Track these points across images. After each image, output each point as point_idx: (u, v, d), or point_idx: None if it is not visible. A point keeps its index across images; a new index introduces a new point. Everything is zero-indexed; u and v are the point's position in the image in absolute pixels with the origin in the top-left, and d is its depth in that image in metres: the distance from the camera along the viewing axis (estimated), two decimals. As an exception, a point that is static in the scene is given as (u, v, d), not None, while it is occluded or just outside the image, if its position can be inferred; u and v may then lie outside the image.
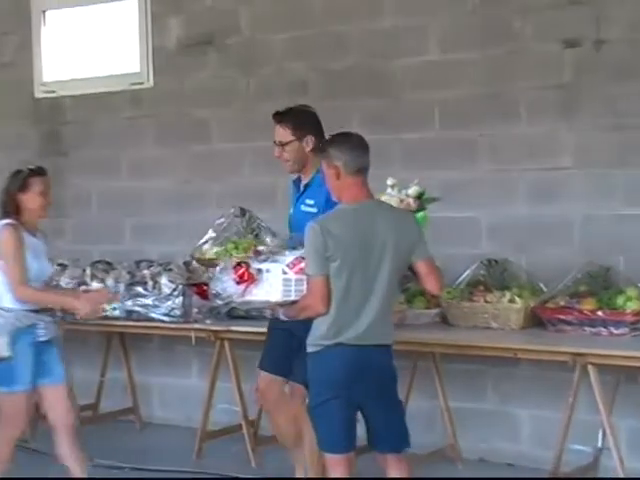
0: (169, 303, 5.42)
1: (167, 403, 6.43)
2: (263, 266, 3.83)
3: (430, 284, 3.78)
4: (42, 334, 4.29)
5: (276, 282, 3.76)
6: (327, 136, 4.07)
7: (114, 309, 5.52)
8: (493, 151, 5.39)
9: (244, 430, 5.41)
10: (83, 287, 5.61)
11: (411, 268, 3.77)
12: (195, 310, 5.45)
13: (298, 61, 5.94)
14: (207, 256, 4.25)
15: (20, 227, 4.24)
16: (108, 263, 6.02)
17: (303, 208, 4.37)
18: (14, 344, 4.19)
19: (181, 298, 5.41)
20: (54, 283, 5.35)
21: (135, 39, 6.55)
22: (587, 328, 4.69)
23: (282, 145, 4.33)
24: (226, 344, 5.43)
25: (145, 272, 5.71)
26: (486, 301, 4.99)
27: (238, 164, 6.16)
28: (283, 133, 4.34)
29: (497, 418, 5.36)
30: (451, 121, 5.48)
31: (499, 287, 5.03)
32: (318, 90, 5.87)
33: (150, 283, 5.58)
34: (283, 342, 4.39)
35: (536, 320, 4.91)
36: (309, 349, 3.70)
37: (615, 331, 4.63)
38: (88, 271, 5.87)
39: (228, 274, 3.88)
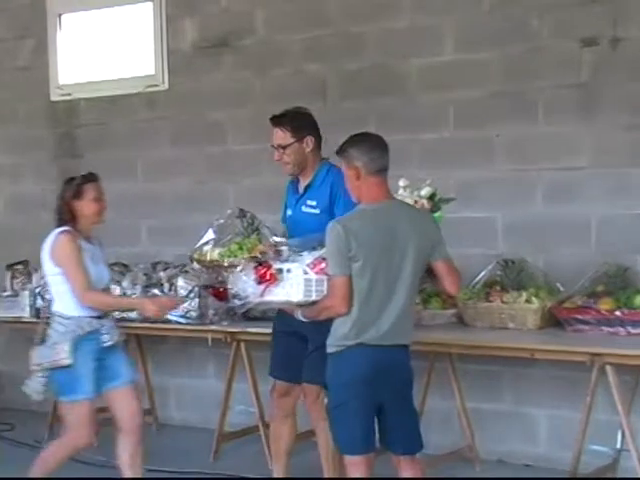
0: (185, 305, 5.42)
1: (184, 404, 6.44)
2: (284, 266, 3.81)
3: (449, 285, 3.78)
4: (106, 339, 4.29)
5: (297, 282, 3.75)
6: (322, 135, 4.13)
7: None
8: (510, 151, 5.37)
9: (261, 431, 5.41)
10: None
11: (428, 269, 3.76)
12: (211, 312, 5.45)
13: (314, 62, 5.94)
14: (209, 257, 4.21)
15: (76, 234, 4.26)
16: (124, 265, 6.04)
17: (304, 209, 4.38)
18: (75, 352, 4.17)
19: (197, 300, 5.42)
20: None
21: (150, 41, 6.56)
22: (605, 328, 4.68)
23: (283, 148, 4.34)
24: (242, 345, 5.43)
25: (161, 274, 5.73)
26: (503, 301, 4.97)
27: (253, 165, 6.16)
28: (283, 136, 4.35)
29: (514, 419, 5.34)
30: (467, 121, 5.46)
31: (516, 287, 5.01)
32: (334, 91, 5.88)
33: (166, 285, 5.59)
34: (291, 346, 4.40)
35: (553, 320, 4.89)
36: (329, 350, 3.69)
37: (633, 331, 4.61)
38: (104, 273, 5.88)
39: (248, 274, 3.87)
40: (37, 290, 6.06)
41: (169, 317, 5.45)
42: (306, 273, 3.75)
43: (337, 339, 3.66)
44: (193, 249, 4.30)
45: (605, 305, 4.70)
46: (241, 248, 4.08)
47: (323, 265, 3.72)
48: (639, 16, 5.01)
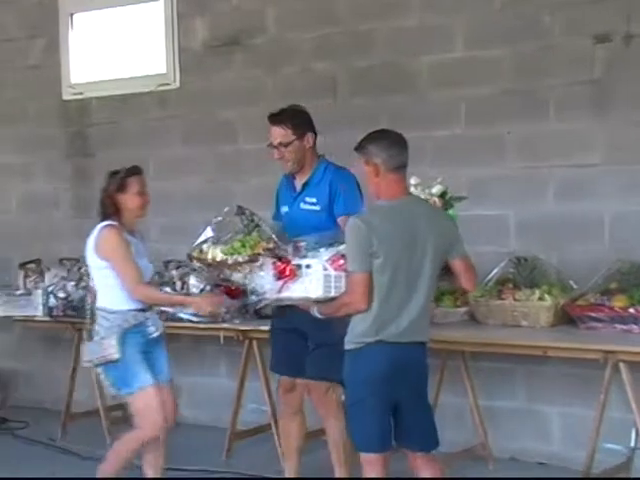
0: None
1: (196, 403, 6.44)
2: (303, 262, 3.80)
3: (466, 282, 3.79)
4: (153, 330, 4.31)
5: (317, 278, 3.74)
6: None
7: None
8: (522, 148, 5.36)
9: (273, 430, 5.40)
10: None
11: (444, 266, 3.76)
12: (223, 310, 5.44)
13: (324, 60, 5.93)
14: (212, 256, 4.16)
15: (121, 228, 4.25)
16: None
17: (303, 206, 4.39)
18: (123, 345, 4.17)
19: (209, 298, 5.41)
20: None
21: (161, 40, 6.57)
22: (618, 325, 4.66)
23: (285, 146, 4.35)
24: (254, 344, 5.43)
25: (173, 272, 5.73)
26: (515, 299, 4.96)
27: (264, 164, 6.13)
28: (284, 133, 4.36)
29: (527, 416, 5.33)
30: (479, 118, 5.45)
31: (528, 285, 5.00)
32: (344, 89, 5.88)
33: (178, 283, 5.59)
34: (291, 342, 4.42)
35: (566, 318, 4.88)
36: (347, 346, 3.67)
37: (646, 328, 4.59)
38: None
39: (267, 270, 3.86)
40: (50, 289, 6.08)
41: (181, 316, 5.45)
42: (325, 269, 3.74)
43: (356, 336, 3.64)
44: (191, 247, 4.26)
45: (618, 302, 4.69)
46: (244, 245, 4.08)
47: (342, 261, 3.71)
48: (652, 12, 5.00)
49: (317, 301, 3.83)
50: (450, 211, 4.12)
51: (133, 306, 4.22)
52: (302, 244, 3.91)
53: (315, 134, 4.44)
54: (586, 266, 5.03)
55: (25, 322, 6.38)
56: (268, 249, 4.02)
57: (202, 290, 5.46)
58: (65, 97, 6.97)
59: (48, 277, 6.20)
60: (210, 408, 6.30)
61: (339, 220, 4.33)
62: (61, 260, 6.45)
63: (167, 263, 5.96)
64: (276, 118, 4.40)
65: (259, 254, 4.01)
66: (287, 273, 3.79)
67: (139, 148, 6.67)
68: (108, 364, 4.19)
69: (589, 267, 4.98)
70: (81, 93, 6.91)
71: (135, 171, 4.36)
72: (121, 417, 6.33)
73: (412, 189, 4.12)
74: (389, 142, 3.72)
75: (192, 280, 5.53)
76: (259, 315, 5.26)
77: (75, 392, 6.22)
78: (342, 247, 3.76)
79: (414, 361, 3.69)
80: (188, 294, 5.01)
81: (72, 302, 6.00)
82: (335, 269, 3.73)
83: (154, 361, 4.30)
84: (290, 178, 4.51)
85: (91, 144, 6.91)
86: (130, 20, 6.76)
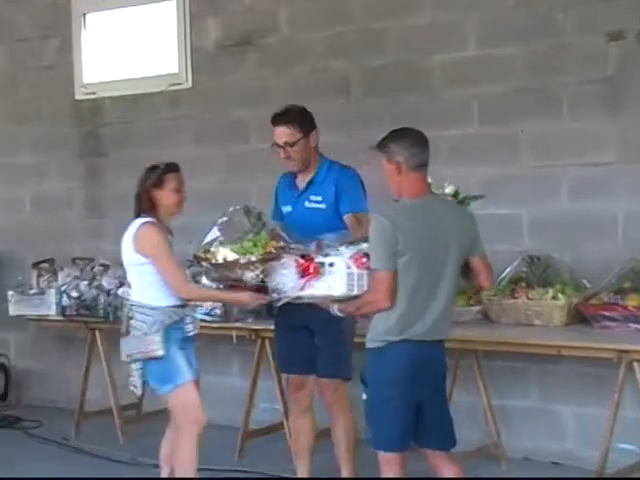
0: (210, 302, 5.42)
1: (208, 402, 6.39)
2: (326, 260, 3.78)
3: (484, 280, 3.81)
4: (190, 329, 4.29)
5: (340, 276, 3.72)
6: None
7: None
8: (535, 146, 5.35)
9: (285, 429, 5.40)
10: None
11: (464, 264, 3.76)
12: (236, 309, 5.45)
13: (337, 59, 5.93)
14: (222, 256, 4.13)
15: (160, 225, 4.23)
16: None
17: (308, 205, 4.40)
18: (166, 342, 4.15)
19: (222, 297, 5.41)
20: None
21: (174, 40, 6.58)
22: (632, 324, 4.65)
23: (291, 145, 4.35)
24: (267, 343, 5.43)
25: (186, 272, 5.72)
26: (528, 298, 4.96)
27: (276, 164, 6.14)
28: (291, 133, 4.37)
29: (541, 416, 5.31)
30: (492, 117, 5.44)
31: (542, 284, 4.99)
32: (357, 88, 5.87)
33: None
34: (297, 339, 4.42)
35: (579, 317, 4.87)
36: (370, 344, 3.66)
37: (661, 327, 4.58)
38: (129, 271, 5.90)
39: (289, 268, 3.85)
40: (63, 288, 6.10)
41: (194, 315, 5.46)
42: (349, 267, 3.72)
43: (379, 334, 3.63)
44: (198, 248, 4.24)
45: (632, 302, 4.68)
46: (255, 245, 4.07)
47: (364, 259, 3.69)
48: (666, 9, 4.98)
49: (337, 299, 3.81)
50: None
51: (172, 302, 4.19)
52: (325, 242, 3.89)
53: (317, 132, 4.44)
54: (599, 265, 5.01)
55: (38, 321, 6.41)
56: (280, 248, 4.02)
57: (215, 289, 5.46)
58: (78, 97, 6.99)
59: (61, 276, 6.22)
60: (223, 407, 6.28)
61: (345, 218, 4.34)
62: (74, 259, 6.47)
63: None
64: (282, 118, 4.41)
65: (271, 253, 4.01)
66: (311, 271, 3.77)
67: (151, 148, 6.67)
68: (149, 360, 4.16)
69: (602, 266, 4.97)
70: (94, 93, 6.93)
71: (173, 168, 4.32)
72: (135, 416, 6.38)
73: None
74: (411, 140, 3.71)
75: (204, 280, 5.53)
76: (271, 314, 5.26)
77: (88, 391, 6.24)
78: (364, 245, 3.74)
79: (436, 359, 3.69)
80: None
81: (85, 301, 6.02)
82: (358, 267, 3.71)
83: (189, 358, 4.27)
84: (291, 177, 4.52)
85: (104, 144, 6.93)
86: (142, 20, 6.78)
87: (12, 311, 6.26)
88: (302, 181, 4.46)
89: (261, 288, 4.08)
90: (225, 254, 4.12)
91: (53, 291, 6.12)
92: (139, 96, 6.71)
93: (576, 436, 5.23)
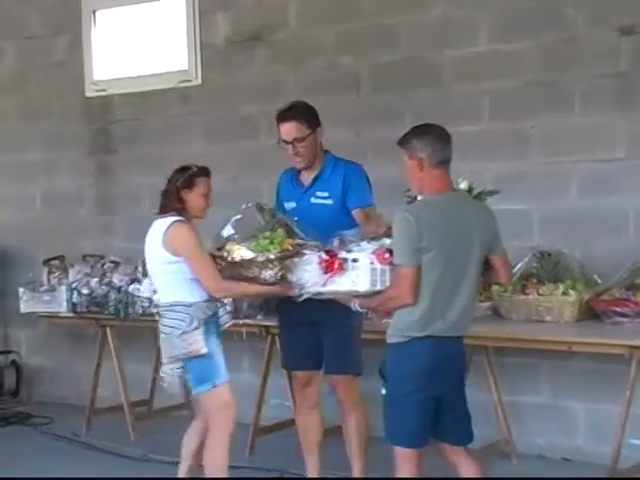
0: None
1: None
2: (350, 256, 3.75)
3: (504, 277, 3.82)
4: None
5: (364, 272, 3.70)
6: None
7: None
8: (546, 142, 5.33)
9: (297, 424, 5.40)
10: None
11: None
12: (246, 305, 5.45)
13: (347, 55, 5.92)
14: (238, 255, 4.08)
15: (191, 224, 4.19)
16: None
17: (314, 201, 4.39)
18: (207, 339, 4.14)
19: (232, 294, 5.41)
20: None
21: (183, 36, 6.58)
22: (643, 320, 4.63)
23: (300, 141, 4.34)
24: (277, 339, 5.41)
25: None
26: (539, 294, 4.95)
27: (287, 160, 6.14)
28: (299, 128, 4.36)
29: (552, 412, 5.30)
30: (503, 113, 5.42)
31: (552, 280, 4.98)
32: (367, 83, 5.86)
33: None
34: (303, 335, 4.42)
35: (591, 313, 4.85)
36: (391, 339, 3.65)
37: (672, 323, 4.56)
38: (140, 268, 5.91)
39: (312, 263, 3.82)
40: (74, 285, 6.11)
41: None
42: (372, 263, 3.69)
43: (401, 330, 3.62)
44: (213, 245, 4.20)
45: (644, 297, 4.65)
46: (272, 243, 4.06)
47: (387, 255, 3.68)
48: (679, 3, 4.95)
49: (357, 295, 3.79)
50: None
51: (205, 297, 4.15)
52: (349, 237, 3.85)
53: (322, 128, 4.44)
54: (610, 261, 5.00)
55: (49, 318, 6.42)
56: (297, 245, 4.01)
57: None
58: (88, 94, 7.00)
59: (72, 273, 6.24)
60: (233, 404, 6.30)
61: (354, 213, 4.34)
62: (84, 256, 6.49)
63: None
64: (289, 114, 4.39)
65: (289, 250, 3.99)
66: (336, 267, 3.74)
67: (161, 145, 6.69)
68: (192, 359, 4.11)
69: (613, 262, 4.95)
70: (104, 90, 6.94)
71: (205, 172, 4.28)
72: (145, 412, 6.39)
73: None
74: (434, 137, 3.69)
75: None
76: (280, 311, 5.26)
77: (99, 388, 6.25)
78: (387, 241, 3.72)
79: (457, 355, 3.70)
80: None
81: (96, 298, 6.03)
82: (380, 262, 3.68)
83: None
84: (294, 174, 4.51)
85: (114, 141, 6.94)
86: (152, 16, 6.78)
87: (23, 308, 6.27)
88: (307, 177, 4.45)
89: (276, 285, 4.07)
90: (241, 252, 4.09)
91: (64, 288, 6.13)
92: (149, 93, 6.71)
93: (587, 432, 5.21)
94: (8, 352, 7.34)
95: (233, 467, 5.24)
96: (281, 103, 6.31)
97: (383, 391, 3.70)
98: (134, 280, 5.90)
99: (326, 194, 4.38)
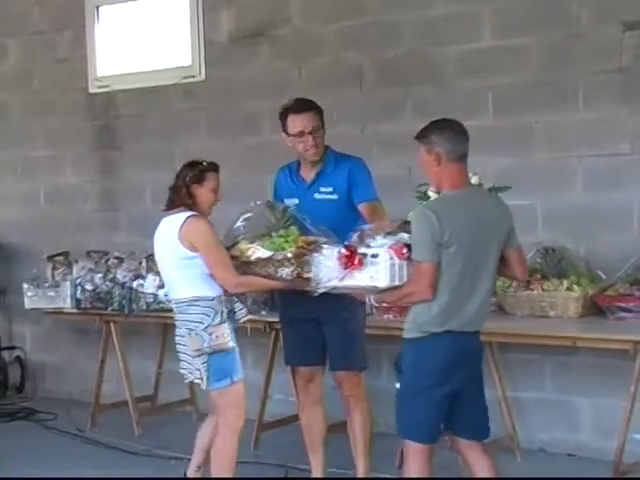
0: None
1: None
2: (369, 251, 3.72)
3: (521, 272, 3.82)
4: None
5: (384, 267, 3.67)
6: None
7: None
8: (549, 137, 5.32)
9: (300, 420, 5.41)
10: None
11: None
12: (250, 301, 5.45)
13: (350, 51, 5.91)
14: (253, 254, 4.07)
15: (206, 218, 4.17)
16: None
17: (318, 196, 4.38)
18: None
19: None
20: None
21: (187, 32, 6.57)
22: (648, 316, 4.62)
23: (318, 131, 4.34)
24: (281, 335, 5.42)
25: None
26: (543, 289, 4.94)
27: (291, 157, 6.14)
28: (316, 119, 4.36)
29: (556, 408, 5.30)
30: (506, 108, 5.41)
31: (556, 275, 4.98)
32: (371, 79, 5.86)
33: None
34: (306, 331, 4.41)
35: (595, 308, 4.85)
36: (409, 334, 3.64)
37: (676, 319, 4.56)
38: (144, 264, 5.92)
39: (331, 259, 3.79)
40: (78, 281, 6.12)
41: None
42: (391, 258, 3.67)
43: (419, 325, 3.61)
44: (223, 243, 4.16)
45: (648, 293, 4.65)
46: (287, 240, 4.04)
47: (405, 250, 3.66)
48: (682, -2, 4.94)
49: (379, 290, 3.76)
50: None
51: (221, 290, 4.12)
52: (368, 232, 3.81)
53: None
54: (615, 256, 4.99)
55: (54, 314, 6.43)
56: (312, 242, 4.00)
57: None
58: (92, 90, 7.00)
59: (76, 269, 6.24)
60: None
61: (360, 207, 4.33)
62: (89, 252, 6.49)
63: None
64: (305, 105, 4.38)
65: (304, 248, 3.98)
66: (356, 263, 3.70)
67: (165, 141, 6.69)
68: (214, 354, 4.08)
69: (618, 257, 4.94)
70: (107, 86, 6.94)
71: (215, 167, 4.26)
72: (149, 408, 6.40)
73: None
74: (452, 132, 3.68)
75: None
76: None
77: (103, 383, 6.25)
78: (405, 236, 3.69)
79: (475, 349, 3.70)
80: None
81: (100, 294, 6.03)
82: (398, 257, 3.66)
83: None
84: (293, 170, 4.50)
85: (118, 137, 6.94)
86: (155, 12, 6.78)
87: (27, 304, 6.28)
88: (309, 173, 4.44)
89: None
90: (256, 251, 4.07)
91: (68, 284, 6.14)
92: (152, 89, 6.71)
93: (591, 428, 5.21)
94: (13, 348, 7.36)
95: (238, 462, 5.29)
96: (284, 99, 6.31)
97: (397, 385, 3.68)
98: (138, 276, 5.90)
99: (330, 189, 4.37)
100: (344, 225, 4.11)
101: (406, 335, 3.66)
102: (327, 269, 3.81)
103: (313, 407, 4.58)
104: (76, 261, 6.33)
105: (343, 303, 4.10)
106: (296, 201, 4.42)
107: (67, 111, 7.09)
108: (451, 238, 3.53)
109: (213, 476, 4.27)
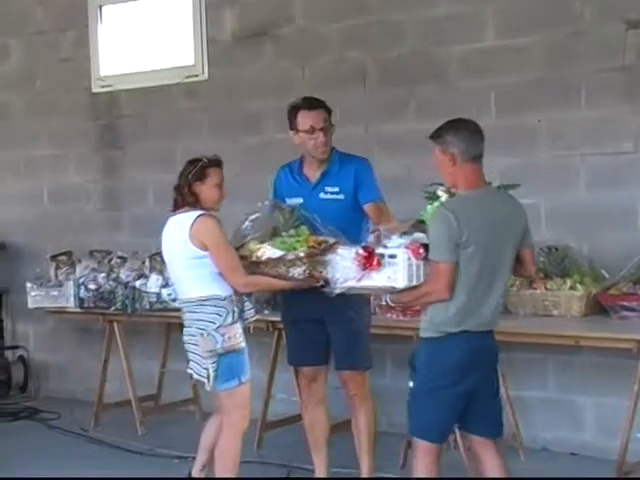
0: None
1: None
2: (387, 251, 3.70)
3: (529, 271, 3.83)
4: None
5: (402, 268, 3.65)
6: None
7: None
8: (553, 136, 5.32)
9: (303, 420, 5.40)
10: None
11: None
12: (252, 301, 5.44)
13: (354, 50, 5.91)
14: (263, 254, 4.05)
15: (216, 217, 4.12)
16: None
17: (323, 196, 4.36)
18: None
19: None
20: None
21: (190, 32, 6.58)
22: (651, 315, 4.62)
23: (328, 128, 4.33)
24: (284, 334, 5.42)
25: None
26: (546, 288, 4.94)
27: (294, 156, 6.13)
28: (326, 117, 4.35)
29: (559, 407, 5.30)
30: (509, 107, 5.41)
31: (560, 274, 4.98)
32: (374, 78, 5.86)
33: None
34: (309, 331, 4.41)
35: (598, 307, 4.85)
36: (426, 334, 3.63)
37: (680, 318, 4.55)
38: (147, 263, 5.93)
39: (347, 259, 3.77)
40: (81, 280, 6.12)
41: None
42: (409, 259, 3.65)
43: (436, 325, 3.60)
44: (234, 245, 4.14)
45: (651, 292, 4.65)
46: (298, 240, 4.03)
47: (421, 250, 3.64)
48: (686, -4, 4.93)
49: (396, 291, 3.74)
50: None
51: (232, 290, 4.10)
52: (385, 233, 3.79)
53: None
54: (618, 255, 4.99)
55: (57, 313, 6.44)
56: (322, 241, 3.99)
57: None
58: (95, 90, 7.00)
59: (79, 269, 6.25)
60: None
61: (366, 207, 4.33)
62: (92, 252, 6.50)
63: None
64: (316, 102, 4.37)
65: (316, 247, 3.97)
66: (374, 264, 3.67)
67: (168, 140, 6.69)
68: (225, 354, 4.05)
69: (621, 256, 4.94)
70: (110, 86, 6.94)
71: (217, 162, 4.20)
72: (153, 407, 6.40)
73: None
74: (467, 132, 3.67)
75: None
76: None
77: (107, 383, 6.26)
78: (420, 235, 3.68)
79: (490, 349, 3.69)
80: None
81: (103, 293, 6.04)
82: (415, 257, 3.64)
83: None
84: (295, 170, 4.48)
85: (120, 136, 6.94)
86: (158, 12, 6.78)
87: (31, 304, 6.29)
88: (314, 173, 4.42)
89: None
90: (267, 251, 4.04)
91: (71, 283, 6.14)
92: (155, 88, 6.71)
93: (595, 427, 5.21)
94: (16, 347, 7.36)
95: (241, 462, 5.28)
96: (288, 99, 6.30)
97: (410, 383, 3.67)
98: (141, 275, 5.91)
99: (337, 189, 4.35)
100: (349, 225, 4.11)
101: (422, 334, 3.66)
102: (343, 269, 3.78)
103: (316, 407, 4.58)
104: (79, 261, 6.34)
105: (348, 302, 4.09)
106: (300, 200, 4.40)
107: (70, 111, 7.10)
108: (469, 238, 3.53)
109: (217, 476, 4.26)
